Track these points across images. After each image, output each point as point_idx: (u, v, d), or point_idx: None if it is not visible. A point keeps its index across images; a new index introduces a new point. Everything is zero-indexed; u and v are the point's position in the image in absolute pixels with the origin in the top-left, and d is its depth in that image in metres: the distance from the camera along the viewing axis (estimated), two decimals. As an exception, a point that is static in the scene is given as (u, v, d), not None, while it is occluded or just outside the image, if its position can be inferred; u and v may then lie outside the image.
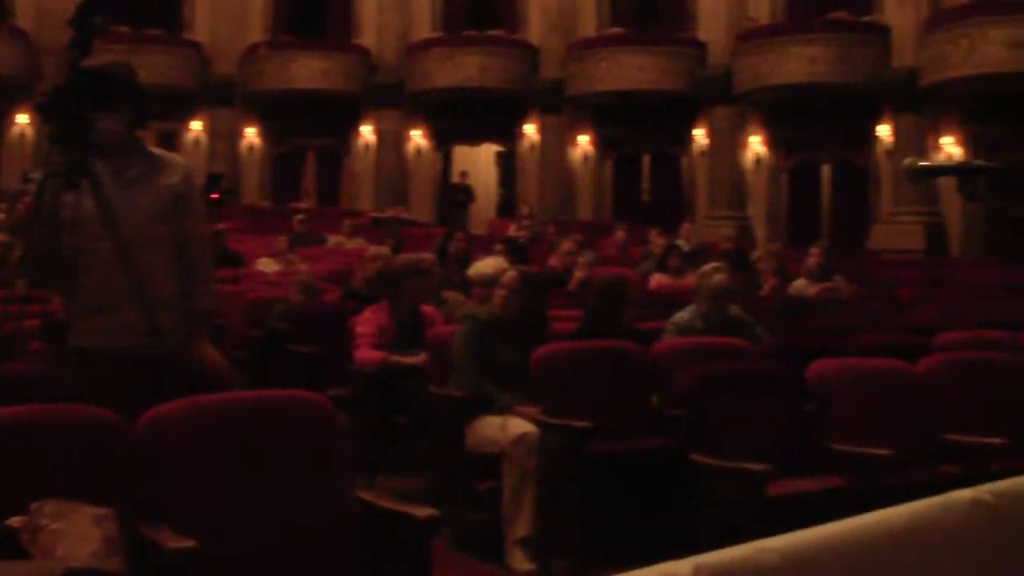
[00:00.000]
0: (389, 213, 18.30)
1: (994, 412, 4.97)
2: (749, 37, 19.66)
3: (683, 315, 5.95)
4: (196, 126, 22.99)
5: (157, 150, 3.80)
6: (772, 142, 20.41)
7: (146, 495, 2.84)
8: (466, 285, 7.44)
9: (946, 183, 14.83)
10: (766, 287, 8.98)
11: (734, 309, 6.03)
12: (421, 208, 22.16)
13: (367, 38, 22.89)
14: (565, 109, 21.71)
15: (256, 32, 23.10)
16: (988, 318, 8.03)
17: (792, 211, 20.35)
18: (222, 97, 22.78)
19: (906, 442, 4.58)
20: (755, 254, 9.91)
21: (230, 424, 3.01)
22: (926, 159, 13.32)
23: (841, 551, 1.36)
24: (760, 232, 19.96)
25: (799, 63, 18.74)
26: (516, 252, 8.77)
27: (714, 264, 6.35)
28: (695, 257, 10.96)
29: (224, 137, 22.93)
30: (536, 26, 22.18)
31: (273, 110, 22.95)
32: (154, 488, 2.86)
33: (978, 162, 2.69)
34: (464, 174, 22.14)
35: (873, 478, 4.31)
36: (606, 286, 5.72)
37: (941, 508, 1.45)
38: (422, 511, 2.97)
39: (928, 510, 1.45)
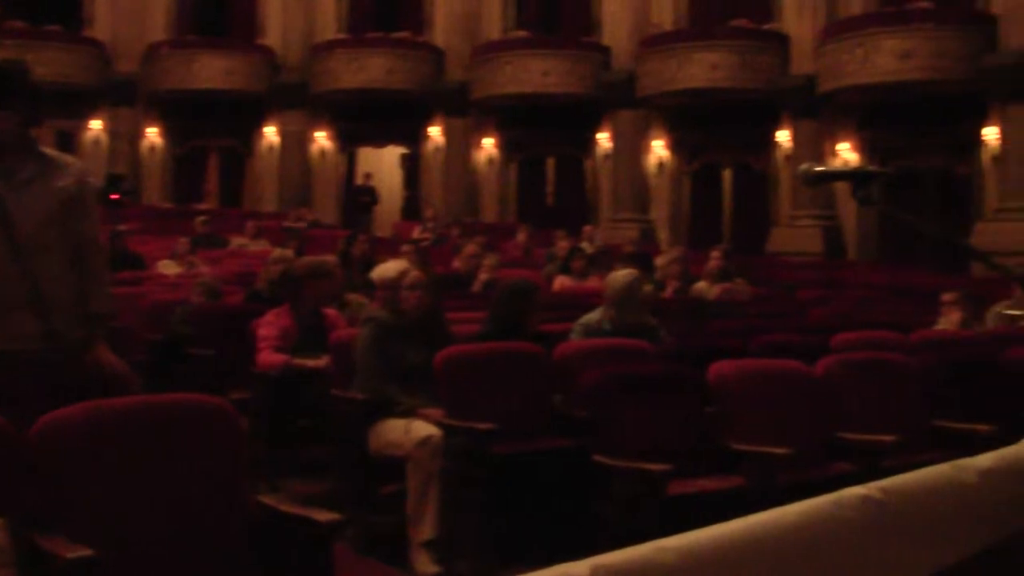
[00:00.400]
0: (301, 224, 18.12)
1: (887, 410, 5.11)
2: (652, 42, 19.88)
3: (592, 317, 6.00)
4: (96, 125, 22.54)
5: (51, 151, 3.73)
6: (675, 146, 20.67)
7: (40, 502, 2.78)
8: (369, 287, 7.40)
9: (842, 187, 15.17)
10: (669, 289, 9.08)
11: (642, 315, 6.08)
12: (325, 210, 22.00)
13: (271, 38, 22.69)
14: (470, 112, 21.74)
15: (158, 30, 22.73)
16: (882, 319, 8.25)
17: (694, 214, 20.63)
18: (123, 96, 22.37)
19: (803, 441, 4.68)
20: (658, 257, 10.02)
21: (128, 429, 2.96)
22: (823, 164, 13.65)
23: (736, 549, 1.38)
24: (663, 235, 20.21)
25: (701, 69, 19.02)
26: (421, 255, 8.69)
27: (628, 269, 6.40)
28: (598, 259, 11.05)
29: (125, 137, 22.51)
30: (441, 29, 22.18)
31: (175, 110, 22.61)
32: (49, 495, 2.80)
33: (871, 168, 2.76)
34: (368, 176, 22.03)
35: (771, 477, 4.40)
36: (512, 291, 5.73)
37: (833, 505, 1.48)
38: (324, 515, 2.95)
39: (820, 507, 1.47)
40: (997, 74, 16.45)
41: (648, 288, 5.96)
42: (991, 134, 17.21)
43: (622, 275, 6.08)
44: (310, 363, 5.69)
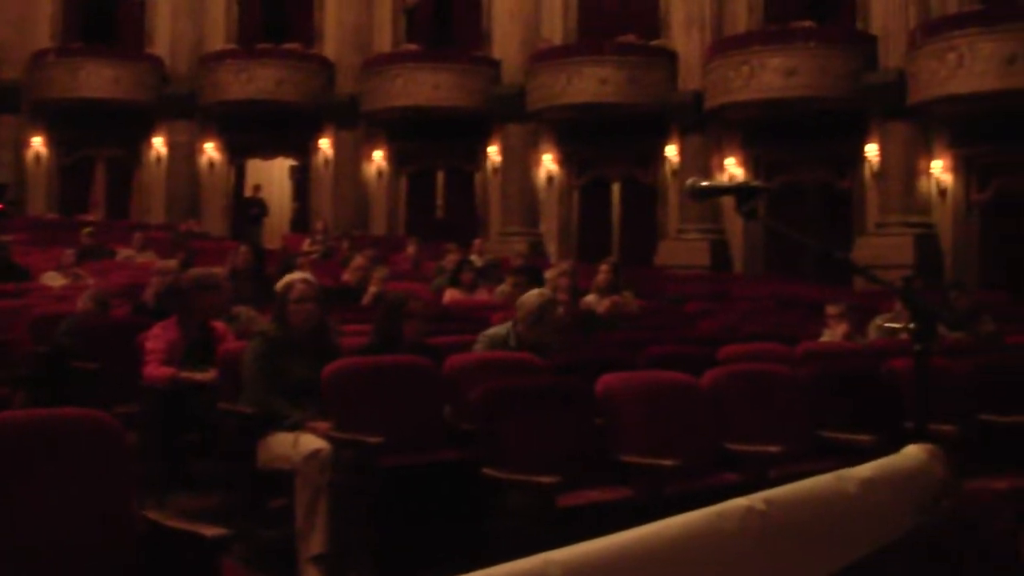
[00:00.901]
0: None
1: (773, 421, 5.21)
2: (542, 57, 20.02)
3: (499, 331, 5.99)
4: (-22, 134, 21.86)
5: None
6: (564, 160, 20.82)
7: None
8: (258, 300, 7.31)
9: (729, 202, 15.43)
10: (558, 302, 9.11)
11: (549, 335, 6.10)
12: (214, 222, 21.67)
13: (160, 47, 22.28)
14: (360, 124, 21.62)
15: (43, 38, 22.16)
16: (768, 331, 8.41)
17: (583, 228, 20.79)
18: (7, 104, 21.69)
19: (691, 452, 4.75)
20: (547, 271, 10.07)
21: (9, 444, 2.88)
22: (709, 179, 13.91)
23: (622, 561, 1.40)
24: (552, 248, 20.33)
25: (590, 83, 19.21)
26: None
27: (541, 290, 6.40)
28: (487, 272, 11.06)
29: (9, 145, 21.83)
30: (332, 41, 22.03)
31: (61, 119, 22.02)
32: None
33: (755, 183, 2.81)
34: (257, 188, 21.77)
35: (659, 488, 4.45)
36: (389, 303, 5.75)
37: (716, 517, 1.50)
38: (210, 530, 2.92)
39: (704, 519, 1.50)
40: (877, 92, 16.95)
41: (560, 312, 5.99)
42: (871, 150, 17.72)
43: (536, 296, 6.07)
44: (198, 376, 5.61)
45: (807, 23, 18.04)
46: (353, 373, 4.99)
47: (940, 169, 17.21)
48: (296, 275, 5.78)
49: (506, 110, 20.36)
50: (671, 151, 19.60)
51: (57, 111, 21.93)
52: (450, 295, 10.31)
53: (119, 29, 22.63)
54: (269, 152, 22.85)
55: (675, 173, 19.43)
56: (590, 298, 9.11)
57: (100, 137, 22.18)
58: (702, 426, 5.06)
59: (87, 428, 3.04)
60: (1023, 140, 16.01)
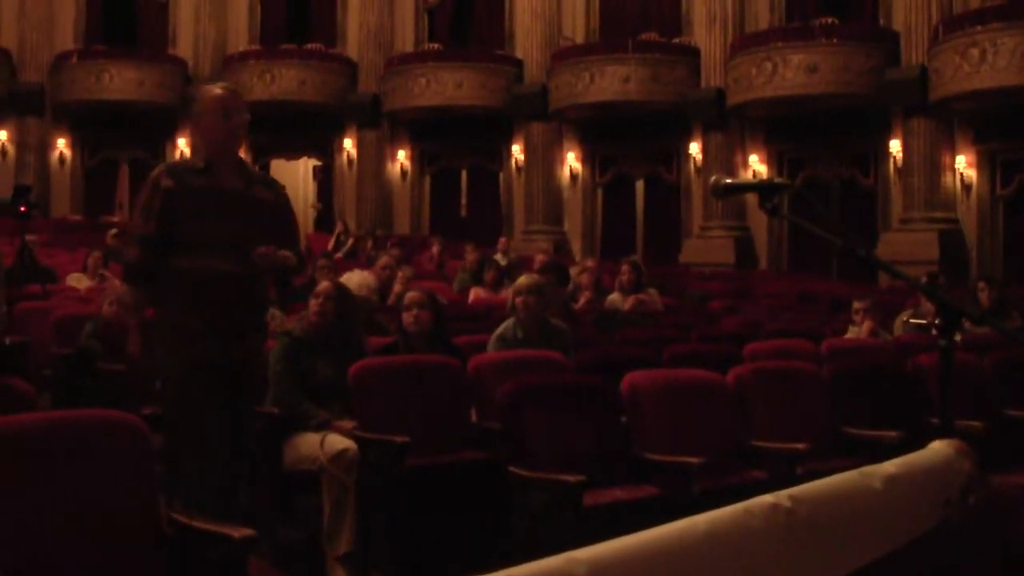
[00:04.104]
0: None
1: (798, 418, 5.19)
2: (564, 55, 20.02)
3: (504, 328, 6.00)
4: (2, 136, 22.01)
5: None
6: (587, 158, 20.82)
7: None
8: (282, 302, 7.32)
9: (753, 199, 15.41)
10: (582, 300, 9.12)
11: (553, 319, 6.11)
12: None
13: (183, 48, 22.41)
14: (383, 124, 21.67)
15: (66, 40, 22.31)
16: (792, 328, 8.38)
17: (607, 226, 20.79)
18: (31, 106, 21.88)
19: (716, 449, 4.74)
20: (571, 268, 10.07)
21: (35, 446, 2.89)
22: (733, 176, 13.86)
23: (647, 559, 1.40)
24: (576, 246, 20.32)
25: (612, 82, 19.20)
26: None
27: (527, 276, 6.38)
28: (512, 271, 11.06)
29: (33, 148, 22.01)
30: (354, 41, 22.10)
31: (85, 121, 22.20)
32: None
33: (778, 180, 2.81)
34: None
35: (685, 486, 4.44)
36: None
37: (743, 513, 1.50)
38: (238, 531, 2.93)
39: (730, 516, 1.50)
40: (899, 88, 16.87)
41: (538, 290, 5.95)
42: (895, 146, 17.64)
43: (525, 278, 6.09)
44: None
45: (829, 20, 17.98)
46: (379, 372, 4.99)
47: (964, 165, 17.14)
48: (355, 274, 5.81)
49: (529, 109, 20.36)
50: (694, 148, 19.57)
51: (81, 113, 22.08)
52: (475, 294, 10.33)
53: (142, 31, 22.77)
54: (292, 152, 22.92)
55: (698, 170, 19.39)
56: (614, 296, 9.10)
57: (124, 139, 22.34)
58: (727, 423, 5.05)
59: (113, 430, 3.05)
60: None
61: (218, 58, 22.15)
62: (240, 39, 22.46)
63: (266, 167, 22.77)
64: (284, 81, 21.31)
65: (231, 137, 4.24)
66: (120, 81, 21.55)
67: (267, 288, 4.39)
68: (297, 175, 23.39)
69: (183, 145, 22.24)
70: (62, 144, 22.36)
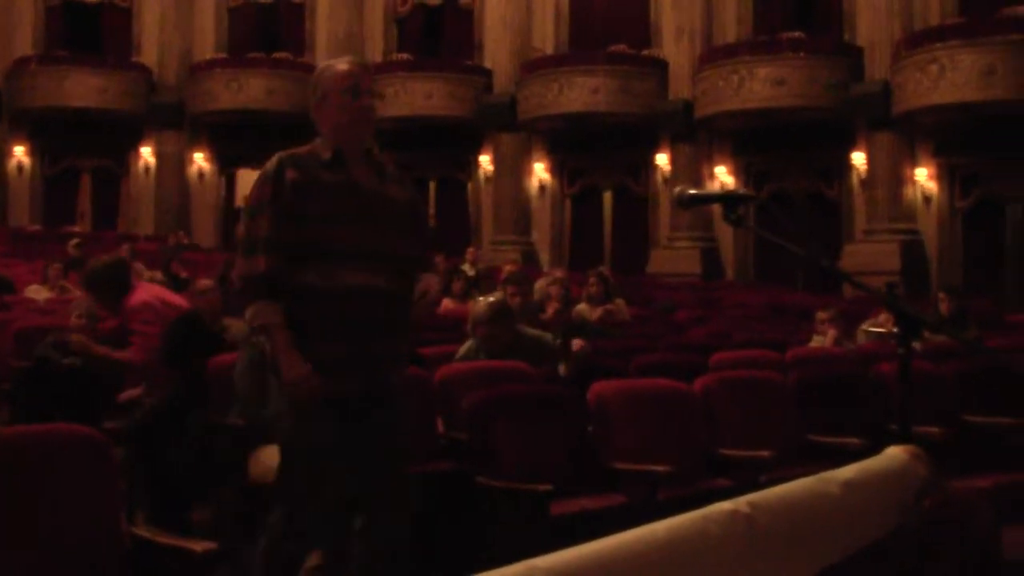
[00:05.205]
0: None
1: (763, 426, 5.23)
2: (534, 66, 20.07)
3: (466, 349, 5.89)
4: (-44, 143, 21.84)
5: None
6: (556, 169, 20.86)
7: None
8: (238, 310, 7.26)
9: (719, 210, 15.46)
10: (550, 311, 9.13)
11: (529, 330, 6.02)
12: (204, 233, 21.63)
13: (148, 56, 22.25)
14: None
15: (25, 46, 22.13)
16: (758, 338, 8.43)
17: (575, 236, 20.83)
18: (-14, 112, 21.70)
19: (683, 458, 4.76)
20: (539, 279, 10.08)
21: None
22: (699, 187, 13.88)
23: (608, 566, 1.40)
24: (544, 257, 20.35)
25: (581, 93, 19.27)
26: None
27: (483, 305, 6.22)
28: (481, 281, 11.07)
29: (-12, 155, 21.83)
30: (323, 50, 22.00)
31: (45, 128, 21.98)
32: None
33: (741, 191, 2.84)
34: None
35: (652, 494, 4.46)
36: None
37: (702, 520, 1.51)
38: (200, 545, 2.91)
39: (690, 522, 1.51)
40: (863, 102, 17.09)
41: (516, 300, 5.85)
42: (858, 159, 17.83)
43: (483, 304, 5.89)
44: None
45: (795, 34, 18.15)
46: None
47: (925, 177, 17.38)
48: None
49: (497, 119, 20.39)
50: (662, 160, 19.65)
51: (40, 120, 21.86)
52: (443, 304, 10.32)
53: (105, 37, 22.57)
54: (260, 162, 22.53)
55: (666, 181, 19.48)
56: (582, 306, 9.12)
57: (86, 147, 22.08)
58: (693, 432, 5.08)
59: (73, 444, 3.01)
60: (1003, 149, 16.29)
61: (184, 66, 22.03)
62: (206, 47, 22.35)
63: (233, 177, 22.70)
64: (251, 90, 21.23)
65: (361, 121, 3.58)
66: (83, 88, 21.35)
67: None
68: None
69: (147, 154, 22.10)
70: (20, 152, 22.12)
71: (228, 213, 22.16)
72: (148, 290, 6.45)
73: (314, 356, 3.25)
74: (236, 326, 6.73)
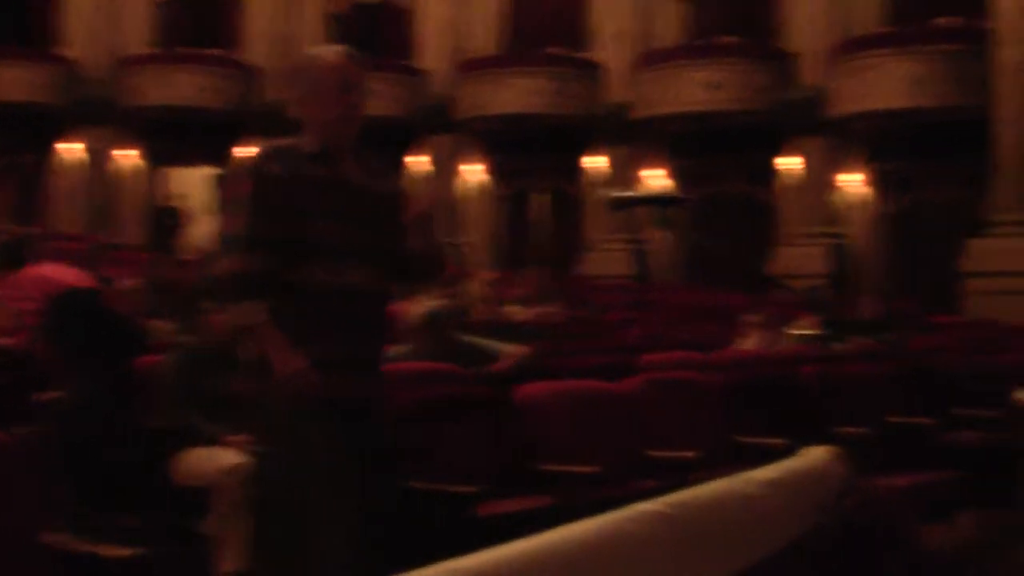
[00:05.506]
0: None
1: (691, 427, 5.26)
2: (470, 67, 20.05)
3: (398, 352, 5.83)
4: None
5: None
6: (491, 170, 20.85)
7: None
8: (173, 314, 7.17)
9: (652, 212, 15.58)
10: (480, 312, 9.12)
11: (466, 337, 6.00)
12: (131, 231, 21.27)
13: (74, 49, 21.80)
14: (283, 132, 21.38)
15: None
16: (687, 340, 8.50)
17: (509, 237, 20.83)
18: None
19: (611, 459, 4.77)
20: (471, 280, 10.07)
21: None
22: (632, 190, 13.95)
23: (529, 566, 1.40)
24: (479, 258, 20.32)
25: (517, 94, 19.32)
26: None
27: (426, 304, 6.18)
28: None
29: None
30: (257, 47, 21.83)
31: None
32: None
33: (670, 193, 2.84)
34: (172, 197, 21.40)
35: (579, 495, 4.46)
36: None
37: (624, 520, 1.51)
38: (121, 550, 2.85)
39: (612, 523, 1.51)
40: (794, 107, 17.35)
41: (426, 313, 5.74)
42: (790, 163, 18.07)
43: (419, 314, 5.92)
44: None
45: (731, 39, 18.34)
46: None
47: (856, 182, 17.66)
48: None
49: (433, 120, 20.35)
50: (598, 162, 19.71)
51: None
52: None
53: (29, 29, 22.02)
54: (190, 160, 22.50)
55: (601, 184, 19.53)
56: (515, 308, 9.13)
57: (7, 142, 21.41)
58: (622, 433, 5.10)
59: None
60: (932, 155, 16.61)
61: (112, 60, 21.62)
62: (136, 41, 21.98)
63: (162, 175, 22.39)
64: (182, 86, 20.94)
65: (350, 117, 3.47)
66: (4, 80, 20.78)
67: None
68: (194, 184, 22.97)
69: (71, 150, 21.66)
70: (-65, 146, 21.58)
71: (157, 211, 21.82)
72: (54, 270, 6.29)
73: (303, 355, 3.11)
74: (160, 327, 6.65)
